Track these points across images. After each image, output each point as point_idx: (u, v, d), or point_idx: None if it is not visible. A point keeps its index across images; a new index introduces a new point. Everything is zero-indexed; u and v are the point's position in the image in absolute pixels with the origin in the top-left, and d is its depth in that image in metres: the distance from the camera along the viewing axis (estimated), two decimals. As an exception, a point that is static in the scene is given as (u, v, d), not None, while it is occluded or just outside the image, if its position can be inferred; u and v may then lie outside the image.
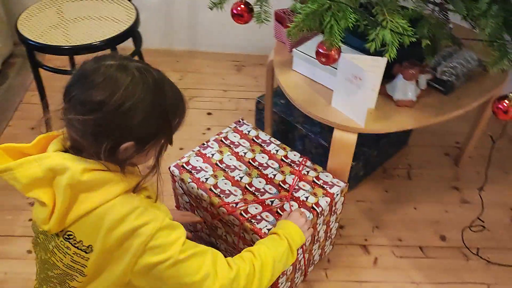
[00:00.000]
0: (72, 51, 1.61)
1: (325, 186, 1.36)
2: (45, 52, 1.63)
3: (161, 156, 0.91)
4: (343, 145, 1.38)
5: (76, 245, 0.85)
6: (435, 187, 1.88)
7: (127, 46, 1.75)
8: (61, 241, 0.86)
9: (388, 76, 1.38)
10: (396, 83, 1.39)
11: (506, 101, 1.13)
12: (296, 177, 1.37)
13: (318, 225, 1.35)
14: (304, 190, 1.34)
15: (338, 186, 1.37)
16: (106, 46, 1.64)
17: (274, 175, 1.38)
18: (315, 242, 1.42)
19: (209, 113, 2.17)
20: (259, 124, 2.01)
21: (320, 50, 1.16)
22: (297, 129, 1.82)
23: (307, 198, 1.32)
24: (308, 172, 1.40)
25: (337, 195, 1.36)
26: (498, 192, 1.87)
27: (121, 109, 0.79)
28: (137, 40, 1.90)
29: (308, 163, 1.43)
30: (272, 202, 1.30)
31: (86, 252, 0.85)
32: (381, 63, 1.27)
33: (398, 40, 1.08)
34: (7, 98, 2.15)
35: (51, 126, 0.87)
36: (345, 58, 1.23)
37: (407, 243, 1.68)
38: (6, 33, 2.31)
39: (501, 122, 2.14)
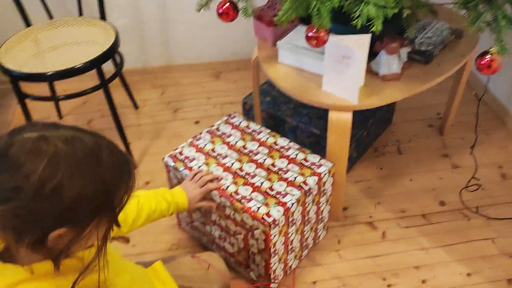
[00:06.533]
0: (56, 76, 1.61)
1: (312, 166, 1.41)
2: (30, 80, 1.62)
3: (108, 238, 0.75)
4: (340, 125, 1.43)
5: None
6: (426, 157, 1.96)
7: (108, 69, 1.77)
8: None
9: (371, 54, 1.45)
10: (380, 59, 1.46)
11: (487, 56, 1.20)
12: (286, 160, 1.44)
13: (307, 204, 1.39)
14: (292, 171, 1.39)
15: (326, 166, 1.41)
16: (90, 68, 1.66)
17: (264, 160, 1.43)
18: (306, 223, 1.46)
19: (196, 122, 2.19)
20: (249, 124, 2.05)
21: (310, 34, 1.21)
22: (287, 123, 1.87)
23: (295, 178, 1.37)
24: (296, 155, 1.45)
25: (325, 174, 1.41)
26: (485, 152, 1.96)
27: (42, 192, 0.64)
28: (120, 61, 1.92)
29: (296, 146, 1.49)
30: (261, 183, 1.36)
31: None
32: (365, 39, 1.33)
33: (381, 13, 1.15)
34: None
35: None
36: (333, 40, 1.29)
37: (410, 213, 1.75)
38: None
39: (472, 89, 2.26)
